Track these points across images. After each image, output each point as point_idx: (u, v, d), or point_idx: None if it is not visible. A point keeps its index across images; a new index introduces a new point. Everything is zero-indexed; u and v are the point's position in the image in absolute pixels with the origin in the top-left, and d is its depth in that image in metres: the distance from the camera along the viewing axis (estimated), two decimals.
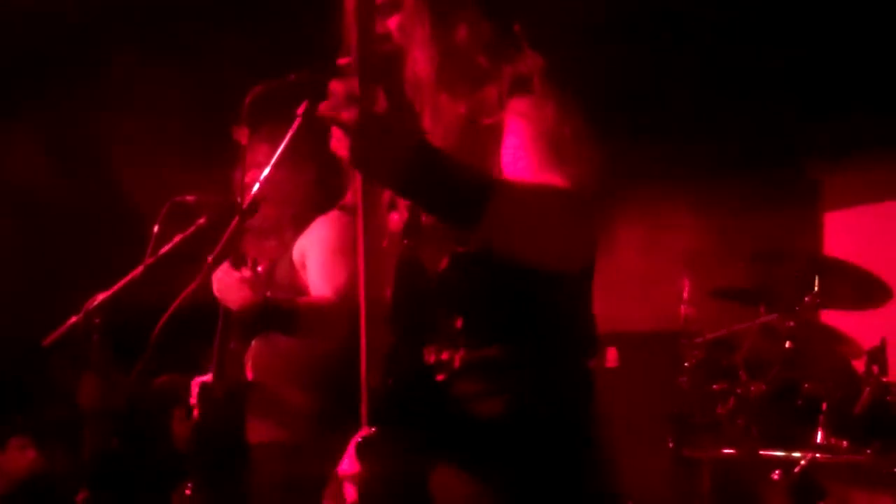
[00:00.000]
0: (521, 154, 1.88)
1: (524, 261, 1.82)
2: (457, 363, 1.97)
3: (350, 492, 1.96)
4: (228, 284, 3.05)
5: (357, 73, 1.73)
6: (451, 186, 1.69)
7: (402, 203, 2.08)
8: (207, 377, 3.36)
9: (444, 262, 2.00)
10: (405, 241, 2.10)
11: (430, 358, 2.00)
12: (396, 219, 2.13)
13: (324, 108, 1.69)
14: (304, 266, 3.37)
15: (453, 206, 1.71)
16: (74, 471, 3.67)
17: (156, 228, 3.49)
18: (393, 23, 2.07)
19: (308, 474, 3.13)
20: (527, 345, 1.98)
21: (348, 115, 1.66)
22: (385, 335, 1.96)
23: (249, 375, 3.49)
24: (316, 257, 3.33)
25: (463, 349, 1.97)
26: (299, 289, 3.34)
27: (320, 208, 3.44)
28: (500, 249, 1.79)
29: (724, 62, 5.52)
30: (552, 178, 1.82)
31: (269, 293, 3.22)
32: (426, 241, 2.05)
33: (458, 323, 1.98)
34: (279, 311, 3.10)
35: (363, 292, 1.84)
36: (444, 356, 1.99)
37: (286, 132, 2.84)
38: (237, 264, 3.05)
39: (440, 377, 1.98)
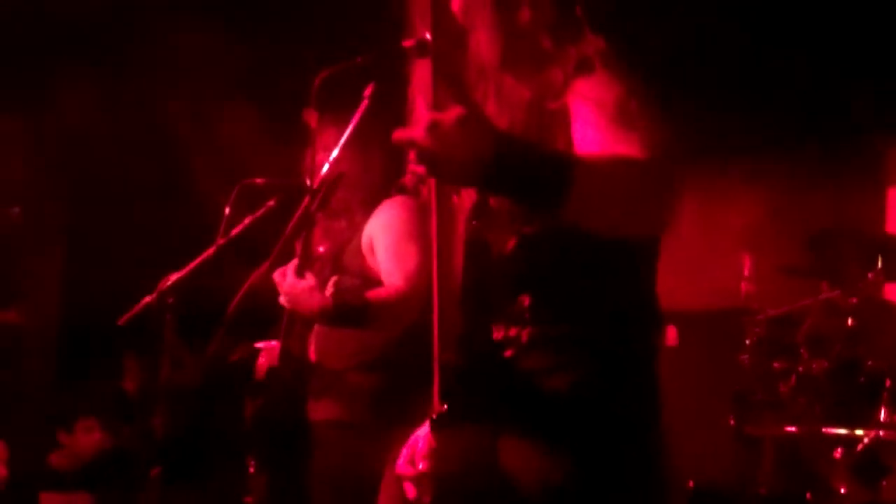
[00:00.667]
0: (593, 133, 1.91)
1: (611, 232, 1.86)
2: (524, 339, 2.01)
3: (410, 490, 2.02)
4: (296, 294, 3.12)
5: (432, 81, 1.80)
6: (532, 175, 1.72)
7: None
8: (271, 344, 3.40)
9: (511, 243, 2.05)
10: (473, 223, 2.14)
11: (499, 335, 2.04)
12: (464, 200, 2.17)
13: (398, 134, 1.73)
14: (372, 251, 3.40)
15: (538, 193, 1.74)
16: (146, 448, 3.74)
17: (227, 210, 3.55)
18: (456, 5, 2.09)
19: (367, 453, 3.22)
20: (593, 321, 2.02)
21: (421, 136, 1.69)
22: (456, 316, 2.01)
23: (313, 356, 3.54)
24: (385, 243, 3.36)
25: (530, 326, 2.01)
26: (367, 274, 3.37)
27: (388, 191, 3.47)
28: (588, 225, 1.82)
29: (785, 32, 5.46)
30: (628, 150, 1.84)
31: (336, 277, 3.28)
32: (494, 222, 2.09)
33: (526, 301, 2.02)
34: (350, 312, 3.17)
35: (436, 275, 1.89)
36: (512, 332, 2.03)
37: (353, 114, 2.87)
38: (301, 271, 3.11)
39: (508, 353, 2.03)
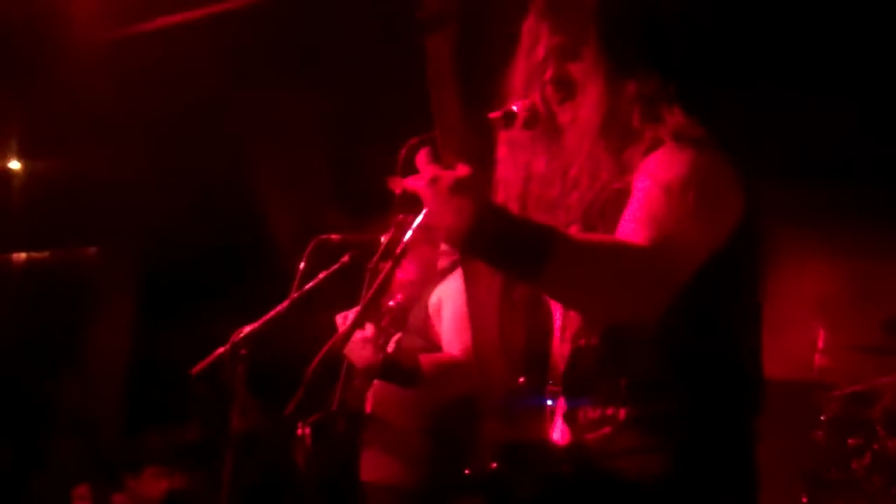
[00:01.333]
0: (631, 208, 1.91)
1: (587, 312, 1.92)
2: (622, 417, 1.97)
3: None
4: (352, 342, 3.14)
5: (439, 144, 1.88)
6: (511, 246, 1.77)
7: None
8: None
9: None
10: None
11: (595, 414, 2.01)
12: None
13: (406, 182, 1.85)
14: (438, 315, 3.41)
15: (516, 264, 1.80)
16: (212, 498, 3.76)
17: (301, 265, 3.58)
18: (574, 70, 2.09)
19: None
20: (692, 401, 1.97)
21: (421, 188, 1.81)
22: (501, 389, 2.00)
23: (368, 409, 3.54)
24: (450, 310, 3.38)
25: (629, 405, 1.97)
26: (430, 337, 3.38)
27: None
28: (564, 302, 1.91)
29: (865, 101, 5.41)
30: (634, 237, 1.84)
31: (399, 335, 3.30)
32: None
33: (623, 382, 1.99)
34: (400, 370, 3.22)
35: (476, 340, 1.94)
36: (609, 411, 1.99)
37: None
38: (362, 321, 3.14)
39: (606, 430, 1.98)
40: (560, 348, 2.10)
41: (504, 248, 1.77)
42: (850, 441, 4.50)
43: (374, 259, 2.94)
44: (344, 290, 3.46)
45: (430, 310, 3.44)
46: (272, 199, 5.63)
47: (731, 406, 1.99)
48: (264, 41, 5.29)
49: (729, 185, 1.94)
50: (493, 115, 2.22)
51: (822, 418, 4.59)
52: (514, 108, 2.18)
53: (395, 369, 3.19)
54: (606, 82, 2.04)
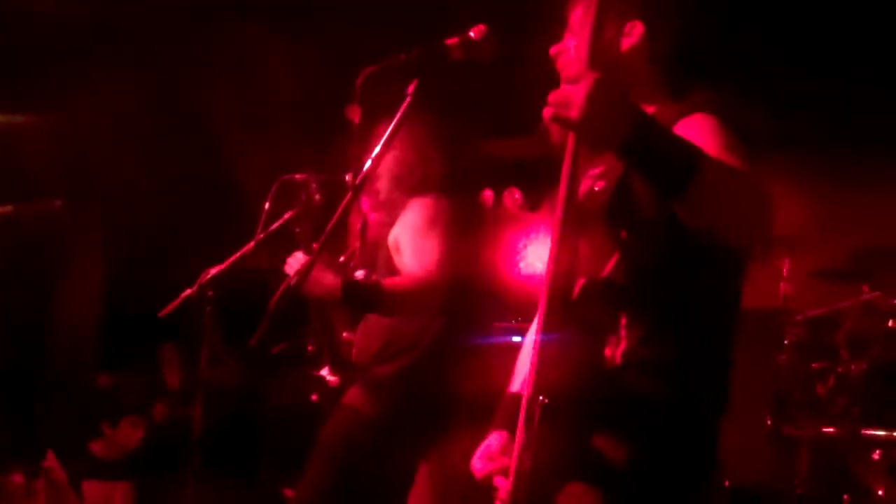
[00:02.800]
0: (704, 142, 1.98)
1: (717, 231, 1.91)
2: (619, 359, 2.09)
3: (503, 484, 2.11)
4: (310, 276, 3.18)
5: (585, 58, 1.90)
6: (664, 155, 1.81)
7: None
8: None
9: (609, 264, 2.12)
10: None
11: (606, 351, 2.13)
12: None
13: (552, 97, 1.81)
14: (398, 250, 3.45)
15: (665, 173, 1.82)
16: (186, 439, 3.79)
17: (266, 205, 3.59)
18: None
19: (373, 445, 3.28)
20: (686, 340, 2.10)
21: (576, 88, 1.79)
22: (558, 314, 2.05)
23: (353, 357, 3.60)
24: (407, 240, 3.43)
25: (625, 343, 2.09)
26: (395, 271, 3.43)
27: (429, 187, 3.51)
28: (701, 218, 1.88)
29: (833, 36, 5.42)
30: (740, 165, 1.94)
31: (364, 272, 3.35)
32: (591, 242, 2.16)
33: (623, 319, 2.10)
34: (361, 292, 3.25)
35: (551, 266, 1.95)
36: (608, 352, 2.10)
37: (396, 111, 2.89)
38: (308, 251, 3.17)
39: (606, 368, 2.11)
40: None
41: (660, 158, 1.80)
42: (813, 365, 4.56)
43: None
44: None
45: (391, 246, 3.48)
46: (237, 139, 5.61)
47: (719, 348, 2.17)
48: None
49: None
50: (450, 41, 2.28)
51: (785, 342, 4.65)
52: (472, 34, 2.24)
53: (356, 291, 3.23)
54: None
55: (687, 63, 2.25)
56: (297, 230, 3.49)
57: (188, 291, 3.65)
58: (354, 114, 2.75)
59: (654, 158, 1.81)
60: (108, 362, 6.31)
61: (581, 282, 2.11)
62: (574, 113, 1.78)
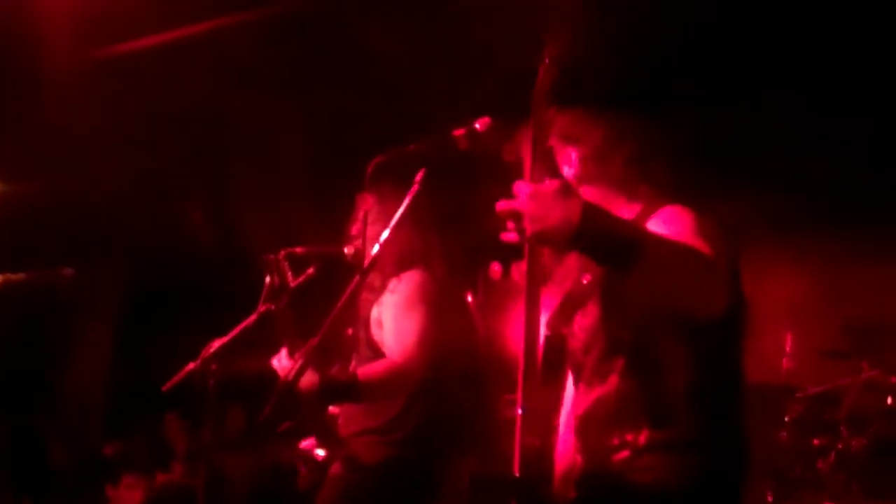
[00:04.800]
0: (671, 228, 2.18)
1: (668, 302, 2.13)
2: (642, 441, 2.23)
3: None
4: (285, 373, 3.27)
5: (532, 162, 2.12)
6: (612, 237, 1.99)
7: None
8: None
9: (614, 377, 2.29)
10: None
11: (615, 440, 2.26)
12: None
13: (501, 204, 2.01)
14: (380, 325, 3.49)
15: (615, 254, 1.99)
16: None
17: (268, 278, 3.62)
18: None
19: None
20: (703, 426, 2.23)
21: (524, 203, 1.99)
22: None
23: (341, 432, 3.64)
24: (390, 318, 3.46)
25: (648, 432, 2.23)
26: (375, 347, 3.47)
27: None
28: (650, 291, 2.09)
29: (840, 119, 5.49)
30: (698, 244, 2.11)
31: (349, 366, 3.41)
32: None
33: (644, 413, 2.25)
34: (339, 389, 3.32)
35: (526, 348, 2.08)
36: (629, 437, 2.24)
37: (403, 197, 2.95)
38: (293, 351, 3.24)
39: (625, 454, 2.24)
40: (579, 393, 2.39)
41: (607, 241, 1.98)
42: (815, 441, 4.57)
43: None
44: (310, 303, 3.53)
45: (373, 322, 3.51)
46: (246, 214, 5.68)
47: (735, 429, 2.29)
48: (238, 56, 5.36)
49: (723, 238, 2.22)
50: (457, 132, 2.39)
51: (786, 419, 4.66)
52: (477, 125, 2.37)
53: (333, 389, 3.28)
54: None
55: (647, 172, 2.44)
56: (274, 308, 3.51)
57: (191, 365, 3.68)
58: (365, 201, 2.83)
59: (603, 245, 1.99)
60: (115, 431, 6.33)
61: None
62: (527, 225, 1.98)
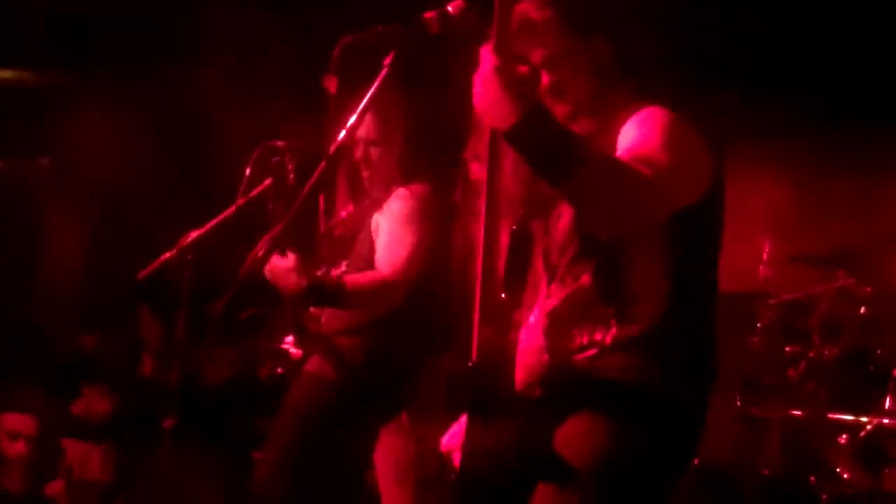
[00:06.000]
0: (641, 131, 2.12)
1: (591, 218, 2.12)
2: (609, 342, 2.20)
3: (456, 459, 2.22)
4: (276, 272, 3.24)
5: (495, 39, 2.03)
6: (551, 144, 1.95)
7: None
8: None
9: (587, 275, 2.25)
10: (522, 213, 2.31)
11: (583, 339, 2.24)
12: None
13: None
14: (377, 232, 3.48)
15: (550, 162, 1.97)
16: (161, 402, 3.83)
17: (247, 171, 3.61)
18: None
19: (334, 409, 3.37)
20: (671, 325, 2.19)
21: (483, 77, 1.97)
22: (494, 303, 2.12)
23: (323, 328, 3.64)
24: (384, 231, 3.46)
25: (615, 330, 2.21)
26: (371, 260, 3.46)
27: (414, 173, 3.52)
28: (580, 206, 2.08)
29: (816, 14, 5.42)
30: (657, 156, 2.05)
31: (344, 264, 3.39)
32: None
33: (612, 311, 2.22)
34: (324, 294, 3.30)
35: (482, 241, 2.07)
36: (597, 336, 2.21)
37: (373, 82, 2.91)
38: (283, 250, 3.21)
39: (592, 352, 2.22)
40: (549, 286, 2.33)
41: (543, 148, 1.95)
42: (786, 348, 4.61)
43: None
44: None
45: (373, 233, 3.50)
46: (225, 105, 5.62)
47: (705, 331, 2.28)
48: None
49: (699, 144, 2.18)
50: (428, 14, 2.32)
51: (758, 325, 4.69)
52: (449, 8, 2.29)
53: (320, 293, 3.27)
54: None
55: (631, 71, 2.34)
56: (270, 206, 3.51)
57: (167, 254, 3.68)
58: (331, 84, 2.77)
59: (535, 151, 1.97)
60: (90, 323, 6.32)
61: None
62: (476, 93, 1.97)
